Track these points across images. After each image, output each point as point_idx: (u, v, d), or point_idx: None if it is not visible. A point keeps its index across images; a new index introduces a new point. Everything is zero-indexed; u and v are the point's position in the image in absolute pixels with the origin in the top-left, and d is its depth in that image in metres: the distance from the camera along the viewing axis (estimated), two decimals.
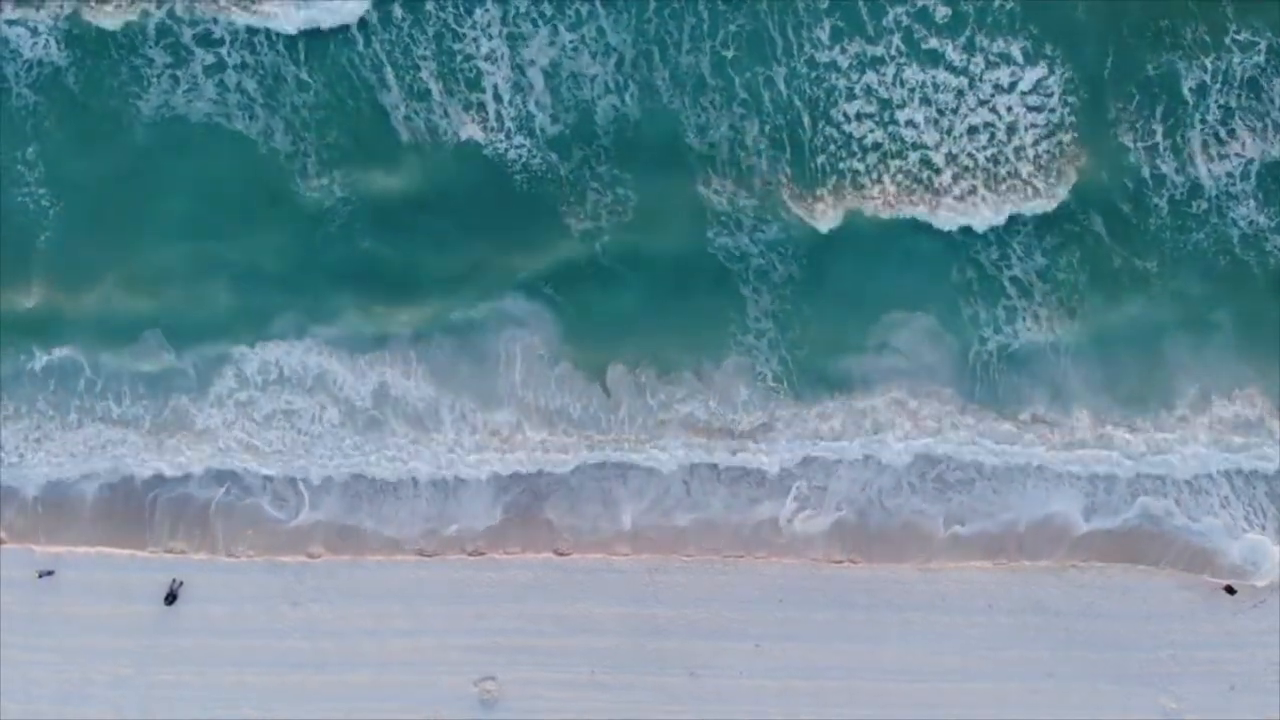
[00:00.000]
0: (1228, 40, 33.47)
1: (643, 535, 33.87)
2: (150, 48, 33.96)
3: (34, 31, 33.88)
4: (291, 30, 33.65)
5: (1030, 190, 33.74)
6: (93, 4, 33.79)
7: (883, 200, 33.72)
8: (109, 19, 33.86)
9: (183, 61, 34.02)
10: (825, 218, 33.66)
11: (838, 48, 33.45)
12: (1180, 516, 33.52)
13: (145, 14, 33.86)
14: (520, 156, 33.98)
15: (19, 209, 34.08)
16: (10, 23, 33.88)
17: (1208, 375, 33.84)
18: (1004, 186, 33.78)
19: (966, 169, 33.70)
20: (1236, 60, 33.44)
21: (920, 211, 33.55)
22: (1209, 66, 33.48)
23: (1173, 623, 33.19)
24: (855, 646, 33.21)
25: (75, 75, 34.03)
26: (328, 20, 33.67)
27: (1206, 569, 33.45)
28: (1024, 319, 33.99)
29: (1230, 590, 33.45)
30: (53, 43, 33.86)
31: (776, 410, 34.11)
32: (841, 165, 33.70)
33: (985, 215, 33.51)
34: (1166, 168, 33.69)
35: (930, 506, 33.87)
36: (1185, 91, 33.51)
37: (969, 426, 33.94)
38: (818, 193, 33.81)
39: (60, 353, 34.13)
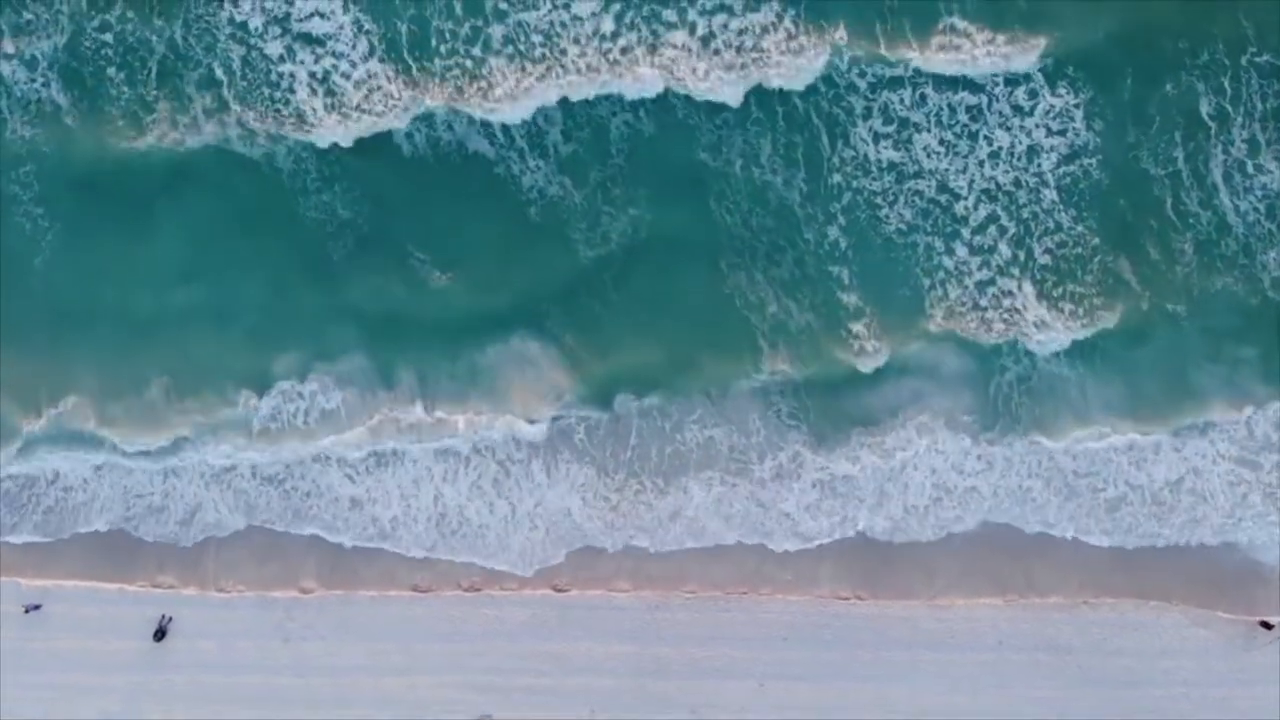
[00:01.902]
0: (1244, 61, 32.55)
1: (643, 570, 33.37)
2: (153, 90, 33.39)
3: (31, 68, 33.25)
4: (346, 144, 32.97)
5: (1053, 223, 33.05)
6: (123, 130, 33.07)
7: (897, 225, 32.98)
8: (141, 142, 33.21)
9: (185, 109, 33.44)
10: (867, 354, 33.15)
11: (855, 70, 32.67)
12: (1217, 516, 33.27)
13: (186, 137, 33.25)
14: (531, 178, 33.21)
15: (15, 229, 33.44)
16: (6, 57, 33.25)
17: (1237, 400, 33.20)
18: (1025, 213, 33.05)
19: (986, 193, 32.94)
20: (1256, 84, 32.55)
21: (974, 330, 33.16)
22: (1227, 89, 32.61)
23: (1185, 660, 32.74)
24: (862, 685, 32.73)
25: (74, 115, 33.31)
26: (381, 128, 32.94)
27: (1228, 593, 33.10)
28: (1045, 349, 33.31)
29: (1267, 625, 32.94)
30: (53, 82, 33.19)
31: (796, 450, 33.53)
32: (855, 184, 32.96)
33: (1055, 333, 33.01)
34: (1189, 199, 32.87)
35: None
36: (1205, 116, 32.65)
37: (990, 459, 33.46)
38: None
39: (67, 402, 33.56)
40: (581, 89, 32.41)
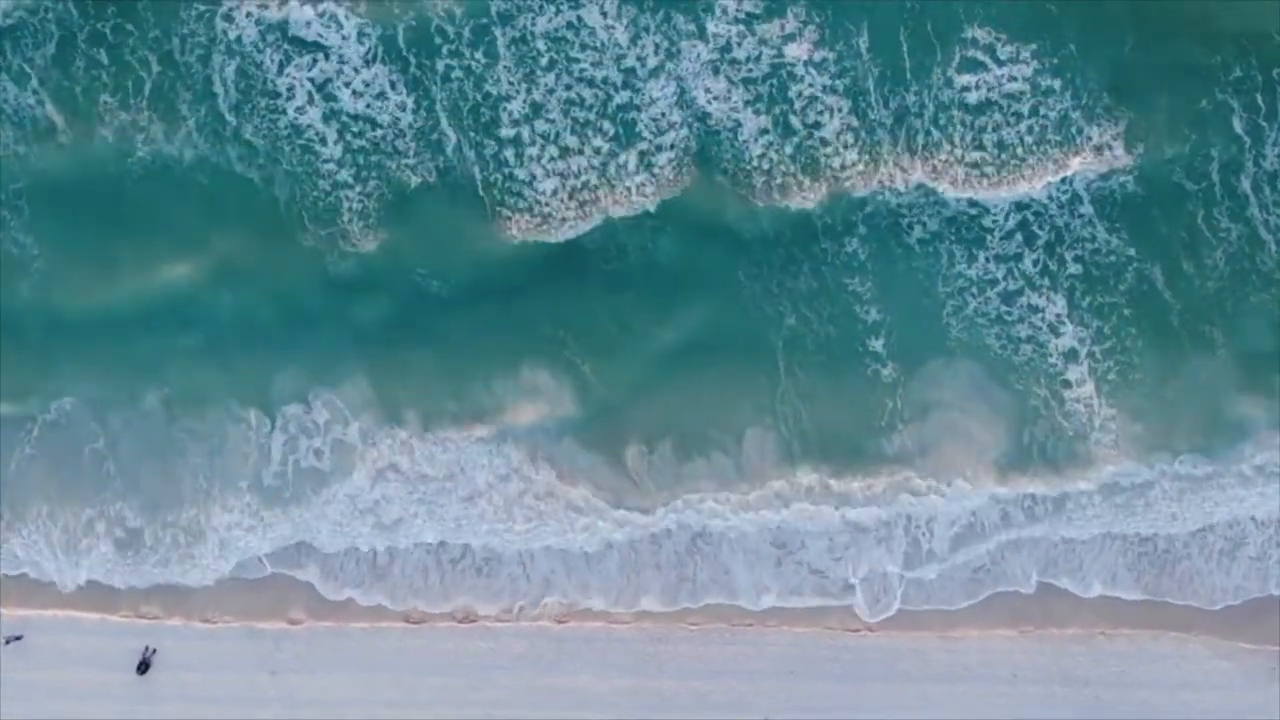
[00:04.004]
0: (1276, 74, 31.83)
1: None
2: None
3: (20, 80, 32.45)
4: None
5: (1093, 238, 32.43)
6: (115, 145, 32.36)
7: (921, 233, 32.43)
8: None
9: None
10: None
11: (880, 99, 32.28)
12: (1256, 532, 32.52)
13: None
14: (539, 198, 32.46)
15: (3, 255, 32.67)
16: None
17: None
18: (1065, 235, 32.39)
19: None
20: None
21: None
22: (1262, 105, 31.87)
23: (1206, 692, 31.97)
24: (871, 719, 31.88)
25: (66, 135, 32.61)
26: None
27: (1250, 624, 32.29)
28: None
29: None
30: (47, 101, 32.46)
31: (816, 482, 32.70)
32: (878, 195, 32.40)
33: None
34: (1220, 213, 32.13)
35: None
36: (1239, 130, 31.96)
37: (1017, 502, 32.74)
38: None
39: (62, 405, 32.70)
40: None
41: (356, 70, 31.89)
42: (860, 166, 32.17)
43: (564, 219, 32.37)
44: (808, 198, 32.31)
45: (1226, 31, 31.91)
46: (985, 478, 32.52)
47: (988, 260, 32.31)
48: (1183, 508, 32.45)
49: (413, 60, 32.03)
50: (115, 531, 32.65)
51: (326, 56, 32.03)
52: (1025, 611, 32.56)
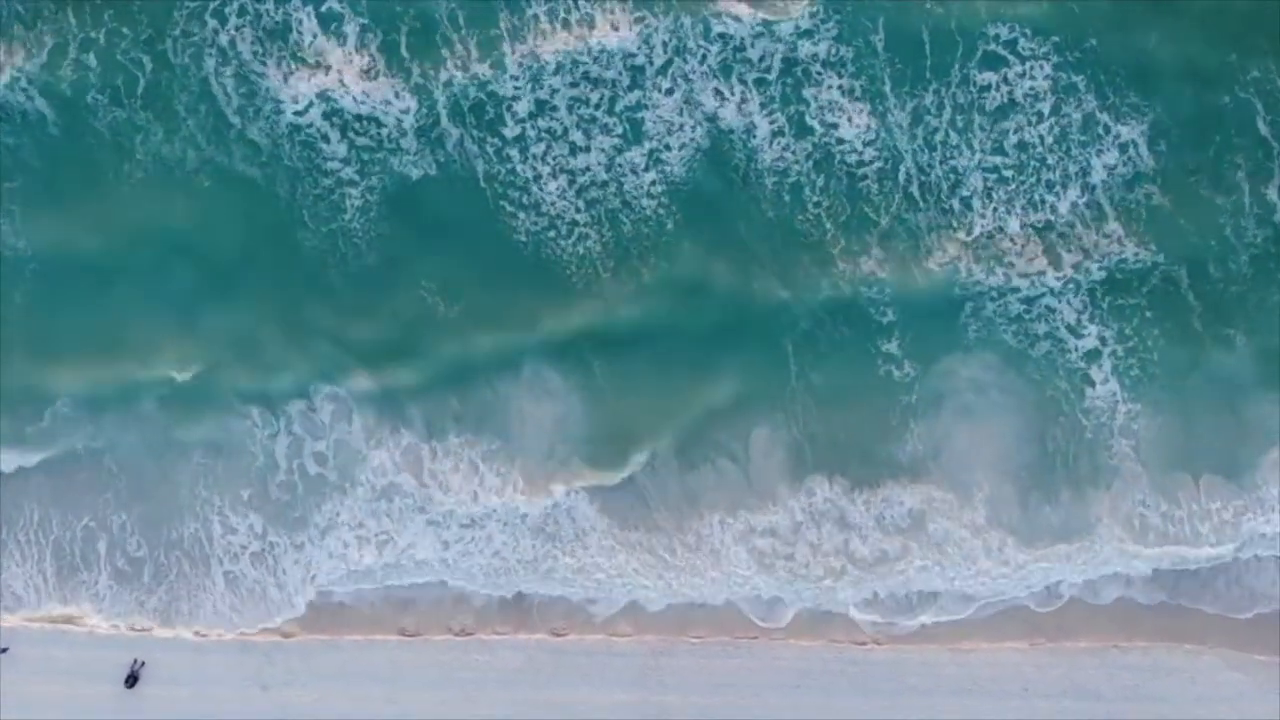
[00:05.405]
0: None
1: (646, 614, 32.16)
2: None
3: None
4: None
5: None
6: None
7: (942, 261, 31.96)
8: None
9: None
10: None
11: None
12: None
13: None
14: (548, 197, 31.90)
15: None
16: None
17: None
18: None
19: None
20: None
21: None
22: None
23: (1221, 705, 31.46)
24: None
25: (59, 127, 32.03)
26: None
27: (1264, 634, 31.75)
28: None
29: None
30: (36, 96, 31.91)
31: (838, 535, 32.14)
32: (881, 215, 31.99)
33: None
34: (1247, 222, 31.69)
35: None
36: (1263, 132, 31.42)
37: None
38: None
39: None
40: None
41: (357, 80, 31.55)
42: (878, 164, 31.49)
43: (574, 222, 31.87)
44: (820, 205, 31.79)
45: (1248, 30, 31.51)
46: (1006, 541, 32.03)
47: (1006, 274, 31.93)
48: (1208, 523, 31.96)
49: (415, 69, 31.53)
50: (116, 559, 32.05)
51: (327, 72, 31.72)
52: (1037, 623, 32.08)
